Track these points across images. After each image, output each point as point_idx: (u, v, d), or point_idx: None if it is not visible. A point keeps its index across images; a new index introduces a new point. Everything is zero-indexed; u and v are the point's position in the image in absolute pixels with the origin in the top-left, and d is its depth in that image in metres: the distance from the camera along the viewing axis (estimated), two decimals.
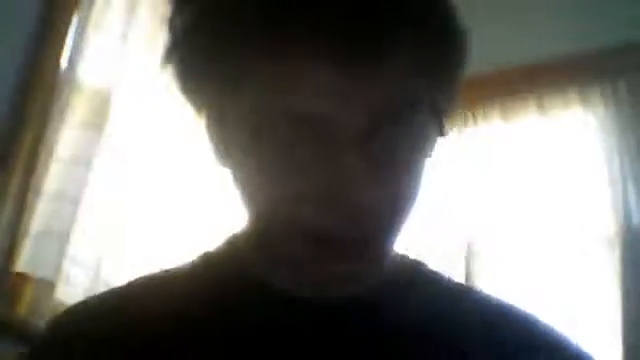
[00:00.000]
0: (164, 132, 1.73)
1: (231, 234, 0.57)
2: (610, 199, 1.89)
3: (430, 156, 0.47)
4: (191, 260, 0.57)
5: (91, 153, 1.51)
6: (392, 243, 0.47)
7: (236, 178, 0.48)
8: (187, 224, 1.70)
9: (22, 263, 1.39)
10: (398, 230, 0.46)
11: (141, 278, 0.56)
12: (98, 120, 1.54)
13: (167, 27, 0.48)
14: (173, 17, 0.47)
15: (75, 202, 1.46)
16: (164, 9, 1.76)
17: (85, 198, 1.48)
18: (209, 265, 0.55)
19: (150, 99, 1.70)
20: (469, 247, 2.03)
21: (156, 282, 0.55)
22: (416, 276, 0.54)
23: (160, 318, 0.49)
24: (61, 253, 1.41)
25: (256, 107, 0.42)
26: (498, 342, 0.49)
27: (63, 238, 1.42)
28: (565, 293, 1.84)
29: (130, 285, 0.55)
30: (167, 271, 0.56)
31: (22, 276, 1.40)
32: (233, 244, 0.56)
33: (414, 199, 0.45)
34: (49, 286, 1.39)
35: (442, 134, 0.46)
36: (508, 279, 1.93)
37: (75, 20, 1.51)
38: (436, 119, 0.45)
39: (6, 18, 1.37)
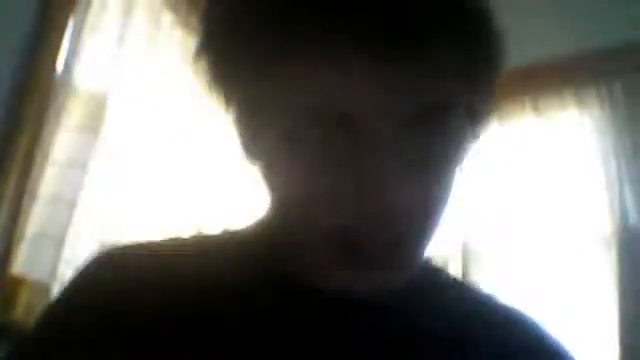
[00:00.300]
0: (160, 134, 1.73)
1: (255, 220, 0.55)
2: (607, 200, 1.89)
3: (463, 160, 0.46)
4: (218, 234, 0.56)
5: (87, 156, 1.51)
6: (424, 250, 0.46)
7: (265, 175, 0.47)
8: (183, 227, 1.70)
9: (18, 266, 1.39)
10: (430, 236, 0.45)
11: (175, 240, 0.55)
12: (94, 123, 1.54)
13: (201, 17, 0.47)
14: (211, 6, 0.46)
15: (71, 205, 1.46)
16: (160, 11, 1.76)
17: (81, 201, 1.48)
18: (234, 245, 0.53)
19: (146, 101, 1.70)
20: (465, 247, 2.03)
21: (188, 249, 0.53)
22: (437, 281, 0.54)
23: (185, 291, 0.48)
24: (57, 256, 1.41)
25: (291, 102, 0.41)
26: (509, 348, 0.51)
27: (59, 241, 1.42)
28: (562, 293, 1.84)
29: (164, 244, 0.54)
30: (194, 239, 0.55)
31: (18, 279, 1.39)
32: (259, 231, 0.54)
33: (446, 203, 0.44)
34: (45, 289, 1.39)
35: (476, 137, 0.45)
36: (504, 279, 1.93)
37: (71, 23, 1.51)
38: (472, 122, 0.45)
39: (2, 20, 1.37)
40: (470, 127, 0.45)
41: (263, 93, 0.43)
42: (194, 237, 0.56)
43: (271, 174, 0.46)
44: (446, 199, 0.44)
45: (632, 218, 1.83)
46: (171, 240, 0.55)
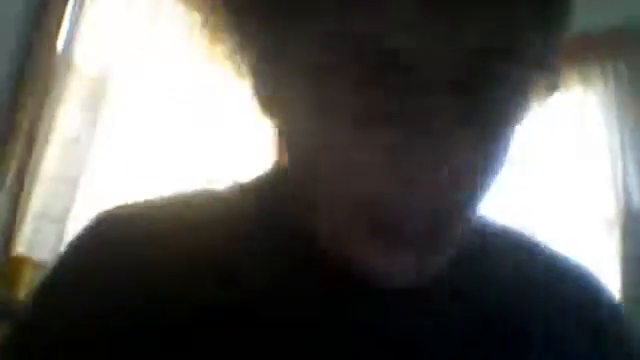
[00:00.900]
0: (162, 110, 1.72)
1: (270, 171, 0.47)
2: (610, 181, 1.89)
3: (526, 117, 0.38)
4: (227, 190, 0.47)
5: (89, 134, 1.50)
6: (472, 217, 0.39)
7: (284, 132, 0.40)
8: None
9: (21, 246, 1.39)
10: (479, 203, 0.38)
11: (182, 197, 0.47)
12: (96, 101, 1.53)
13: None
14: None
15: (73, 184, 1.46)
16: None
17: (83, 179, 1.48)
18: (248, 206, 0.44)
19: (148, 73, 1.69)
20: None
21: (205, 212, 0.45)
22: (485, 242, 0.45)
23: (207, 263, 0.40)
24: (60, 236, 1.41)
25: (324, 37, 0.33)
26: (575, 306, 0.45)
27: (61, 220, 1.42)
28: None
29: (173, 203, 0.46)
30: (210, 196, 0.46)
31: (21, 259, 1.40)
32: (275, 189, 0.45)
33: (502, 167, 0.37)
34: (47, 268, 1.39)
35: (551, 91, 0.38)
36: None
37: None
38: (543, 74, 0.37)
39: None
40: (540, 81, 0.37)
41: (293, 21, 0.35)
42: (202, 194, 0.47)
43: (292, 130, 0.39)
44: (502, 163, 0.37)
45: (636, 202, 1.83)
46: (179, 198, 0.46)
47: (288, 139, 0.40)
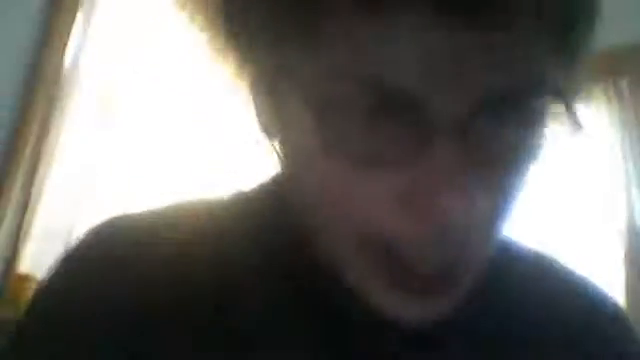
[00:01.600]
0: (168, 125, 1.73)
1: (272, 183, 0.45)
2: (614, 199, 1.89)
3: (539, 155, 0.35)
4: (229, 201, 0.45)
5: (96, 150, 1.51)
6: (485, 260, 0.36)
7: (285, 155, 0.38)
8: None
9: (24, 264, 1.39)
10: (493, 243, 0.36)
11: (182, 208, 0.45)
12: (103, 116, 1.54)
13: None
14: None
15: (78, 204, 1.46)
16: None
17: (89, 198, 1.48)
18: (250, 220, 0.43)
19: (156, 91, 1.70)
20: None
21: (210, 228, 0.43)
22: (506, 268, 0.43)
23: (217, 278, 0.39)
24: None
25: (332, 69, 0.31)
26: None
27: (66, 239, 1.42)
28: None
29: (173, 215, 0.44)
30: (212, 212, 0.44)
31: (24, 277, 1.39)
32: (276, 207, 0.42)
33: (515, 205, 0.35)
34: None
35: (574, 123, 0.34)
36: None
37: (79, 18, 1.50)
38: (561, 104, 0.34)
39: (10, 15, 1.37)
40: (559, 112, 0.35)
41: (300, 49, 0.33)
42: (203, 205, 0.45)
43: (294, 157, 0.37)
44: (516, 201, 0.35)
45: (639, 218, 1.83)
46: (178, 211, 0.44)
47: (289, 162, 0.38)
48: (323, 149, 0.32)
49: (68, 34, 1.46)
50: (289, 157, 0.38)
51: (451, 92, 0.30)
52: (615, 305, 0.48)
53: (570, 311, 0.44)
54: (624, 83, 1.98)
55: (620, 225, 1.86)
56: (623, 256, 1.81)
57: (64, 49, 1.45)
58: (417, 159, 0.31)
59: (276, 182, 0.45)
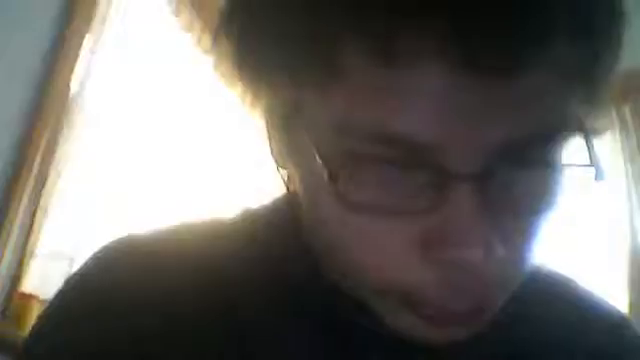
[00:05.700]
0: (174, 148, 1.74)
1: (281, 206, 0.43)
2: (618, 221, 1.89)
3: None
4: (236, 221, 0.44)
5: (100, 172, 1.52)
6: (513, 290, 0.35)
7: (297, 188, 0.37)
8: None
9: (28, 284, 1.40)
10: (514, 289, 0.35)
11: (189, 229, 0.44)
12: (106, 140, 1.55)
13: None
14: None
15: (83, 224, 1.47)
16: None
17: (94, 219, 1.49)
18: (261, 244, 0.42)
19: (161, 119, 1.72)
20: None
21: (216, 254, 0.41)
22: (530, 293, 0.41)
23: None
24: (68, 274, 1.41)
25: (343, 115, 0.30)
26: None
27: (70, 259, 1.43)
28: None
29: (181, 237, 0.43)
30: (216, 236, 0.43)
31: (28, 296, 1.40)
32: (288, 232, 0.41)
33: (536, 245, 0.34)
34: None
35: (592, 158, 0.33)
36: None
37: (87, 43, 1.53)
38: (582, 138, 0.32)
39: (19, 38, 1.39)
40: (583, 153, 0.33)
41: (311, 90, 0.31)
42: (209, 226, 0.44)
43: (306, 193, 0.36)
44: (536, 247, 0.34)
45: None
46: (184, 232, 0.44)
47: (300, 197, 0.37)
48: (336, 197, 0.31)
49: (76, 57, 1.48)
50: (300, 191, 0.37)
51: (469, 143, 0.29)
52: (636, 329, 0.47)
53: (592, 336, 0.44)
54: (626, 109, 1.99)
55: (624, 249, 1.86)
56: (627, 280, 1.81)
57: (71, 72, 1.47)
58: (434, 209, 0.30)
59: (288, 202, 0.43)
